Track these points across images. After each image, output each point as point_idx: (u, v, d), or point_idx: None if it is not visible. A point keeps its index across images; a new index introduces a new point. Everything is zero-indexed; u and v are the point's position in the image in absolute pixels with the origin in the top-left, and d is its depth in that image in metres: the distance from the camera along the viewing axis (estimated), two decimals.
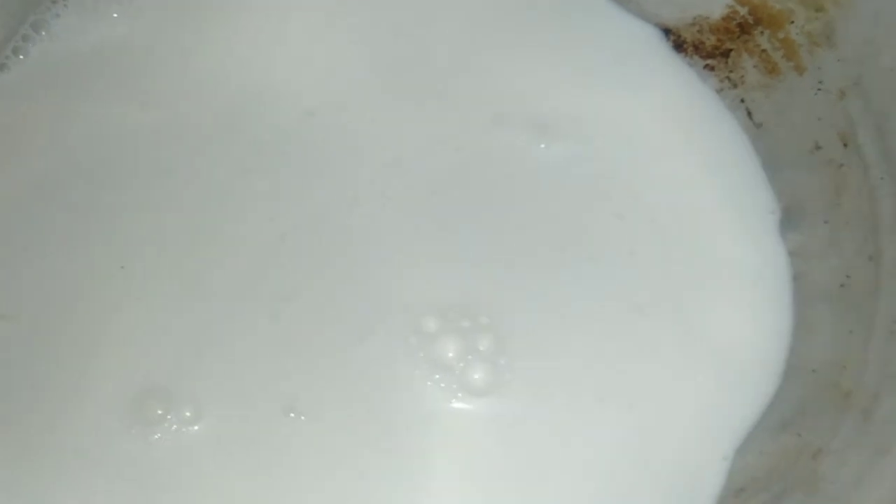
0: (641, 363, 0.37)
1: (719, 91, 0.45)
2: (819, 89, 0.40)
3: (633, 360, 0.37)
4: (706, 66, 0.45)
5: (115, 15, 0.44)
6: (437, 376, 0.36)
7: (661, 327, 0.38)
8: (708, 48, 0.45)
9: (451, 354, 0.37)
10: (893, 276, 0.33)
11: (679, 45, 0.46)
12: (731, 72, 0.45)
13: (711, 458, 0.36)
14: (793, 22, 0.41)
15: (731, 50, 0.44)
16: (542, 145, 0.43)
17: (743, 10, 0.43)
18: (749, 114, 0.44)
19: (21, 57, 0.43)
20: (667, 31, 0.46)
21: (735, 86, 0.44)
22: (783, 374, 0.37)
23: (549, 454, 0.35)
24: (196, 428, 0.35)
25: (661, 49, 0.46)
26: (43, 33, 0.44)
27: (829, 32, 0.39)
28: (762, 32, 0.43)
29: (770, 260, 0.41)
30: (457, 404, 0.36)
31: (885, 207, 0.35)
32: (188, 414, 0.35)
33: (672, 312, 0.39)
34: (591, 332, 0.38)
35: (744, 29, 0.44)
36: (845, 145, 0.38)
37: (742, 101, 0.44)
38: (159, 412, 0.35)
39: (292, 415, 0.35)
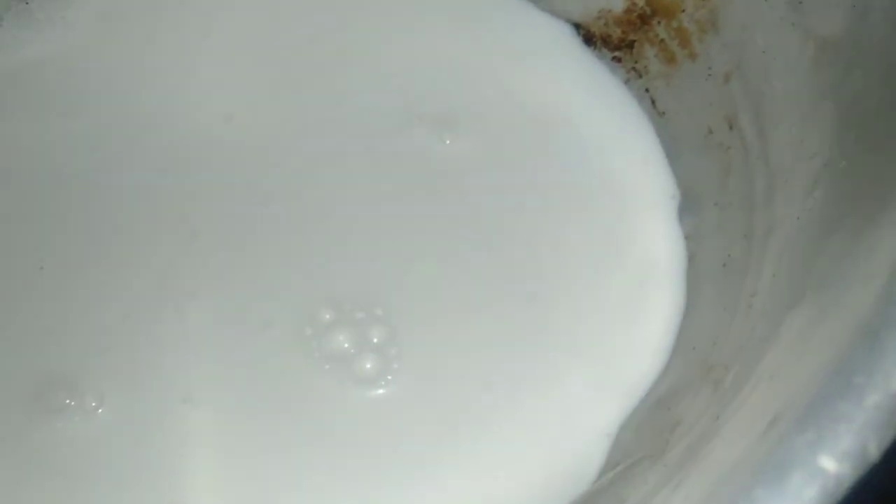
0: (531, 349, 0.38)
1: (627, 82, 0.46)
2: (709, 75, 0.41)
3: (522, 346, 0.38)
4: (614, 58, 0.46)
5: (45, 32, 0.47)
6: (329, 366, 0.37)
7: (553, 313, 0.39)
8: (615, 41, 0.46)
9: (345, 345, 0.38)
10: (761, 252, 0.33)
11: (589, 39, 0.47)
12: (636, 62, 0.45)
13: (596, 437, 0.36)
14: (684, 10, 0.42)
15: (634, 41, 0.45)
16: (448, 141, 0.44)
17: (641, 2, 0.44)
18: (653, 102, 0.45)
19: None
20: (577, 26, 0.47)
21: (640, 76, 0.45)
22: (671, 353, 0.38)
23: (436, 441, 0.36)
24: (99, 413, 0.36)
25: (571, 44, 0.47)
26: None
27: (714, 19, 0.40)
28: (659, 22, 0.44)
29: (669, 245, 0.41)
30: (347, 393, 0.37)
31: (758, 186, 0.36)
32: (93, 403, 0.37)
33: (565, 299, 0.39)
34: (482, 321, 0.39)
35: (643, 20, 0.44)
36: (731, 128, 0.39)
37: (647, 90, 0.45)
38: (67, 402, 0.37)
39: (189, 404, 0.37)
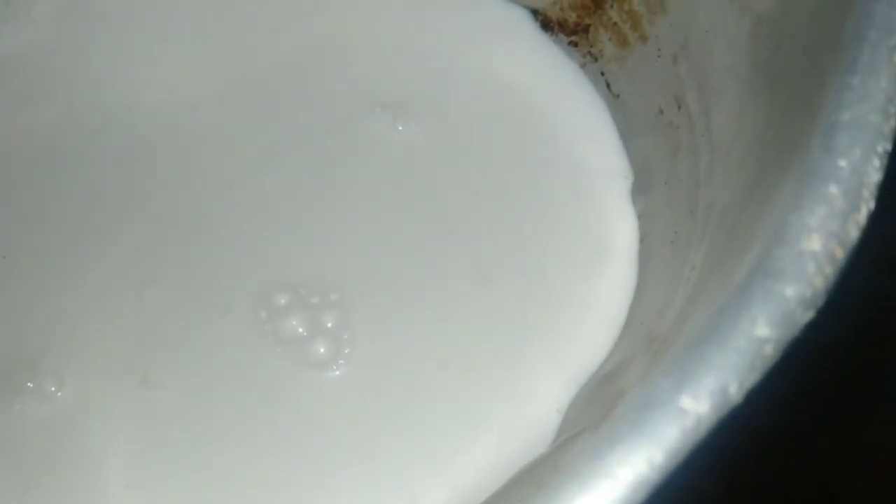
0: (484, 330, 0.39)
1: (583, 66, 0.46)
2: (659, 56, 0.41)
3: (475, 327, 0.39)
4: (570, 43, 0.47)
5: (12, 26, 0.48)
6: (282, 350, 0.38)
7: (505, 294, 0.39)
8: (570, 25, 0.47)
9: (299, 329, 0.39)
10: (703, 227, 0.34)
11: (546, 25, 0.47)
12: (591, 46, 0.46)
13: (547, 414, 0.37)
14: None
15: (589, 25, 0.46)
16: (401, 127, 0.44)
17: None
18: (608, 85, 0.45)
19: None
20: (534, 12, 0.48)
21: (596, 59, 0.46)
22: (621, 330, 0.38)
23: (389, 422, 0.37)
24: (58, 396, 0.37)
25: (529, 29, 0.48)
26: None
27: (662, 0, 0.41)
28: (612, 6, 0.44)
29: (622, 224, 0.42)
30: (301, 377, 0.38)
31: (702, 162, 0.36)
32: (52, 388, 0.38)
33: (518, 280, 0.40)
34: (436, 303, 0.39)
35: (597, 4, 0.45)
36: (679, 107, 0.40)
37: (602, 73, 0.46)
38: (27, 385, 0.37)
39: (148, 386, 0.38)
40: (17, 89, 0.46)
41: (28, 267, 0.41)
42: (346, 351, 0.38)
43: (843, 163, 0.20)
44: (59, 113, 0.45)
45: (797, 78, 0.28)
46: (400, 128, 0.45)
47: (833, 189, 0.20)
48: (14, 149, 0.44)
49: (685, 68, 0.39)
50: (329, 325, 0.39)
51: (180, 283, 0.40)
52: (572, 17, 0.46)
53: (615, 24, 0.44)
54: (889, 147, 0.21)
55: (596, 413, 0.32)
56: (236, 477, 0.37)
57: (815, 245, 0.19)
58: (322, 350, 0.38)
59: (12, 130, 0.45)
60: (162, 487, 0.37)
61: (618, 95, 0.45)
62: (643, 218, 0.41)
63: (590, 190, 0.43)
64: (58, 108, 0.45)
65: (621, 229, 0.42)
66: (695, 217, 0.36)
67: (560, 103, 0.46)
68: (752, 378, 0.16)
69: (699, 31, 0.38)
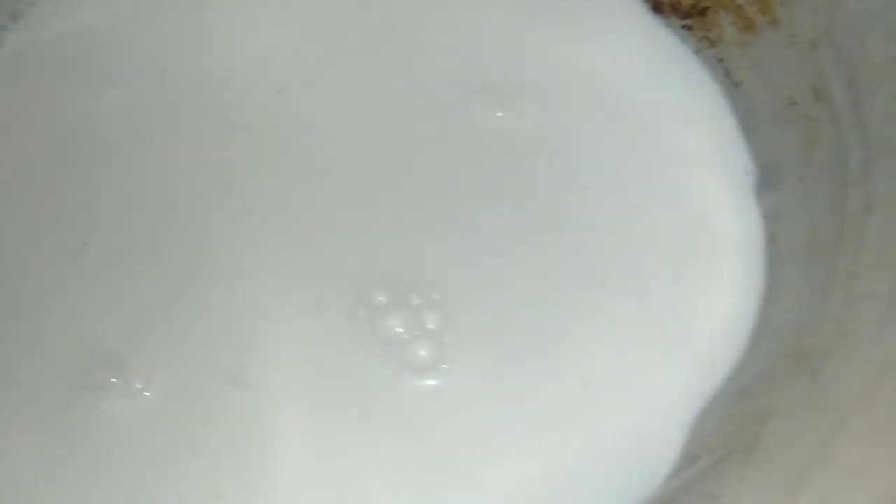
0: (599, 337, 0.36)
1: (698, 52, 0.43)
2: (792, 42, 0.38)
3: (589, 334, 0.36)
4: (684, 26, 0.43)
5: (90, 1, 0.45)
6: (381, 351, 0.35)
7: (622, 300, 0.37)
8: (685, 7, 0.43)
9: (399, 330, 0.36)
10: (855, 230, 0.31)
11: (656, 6, 0.44)
12: (708, 30, 0.43)
13: (669, 428, 0.34)
14: None
15: (707, 7, 0.43)
16: (508, 115, 0.41)
17: None
18: (727, 73, 0.42)
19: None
20: None
21: (713, 45, 0.43)
22: (750, 339, 0.35)
23: (494, 435, 0.34)
24: (146, 395, 0.35)
25: (637, 10, 0.45)
26: (20, 22, 0.45)
27: None
28: None
29: (744, 224, 0.39)
30: (400, 381, 0.35)
31: (853, 159, 0.33)
32: (138, 385, 0.35)
33: (635, 284, 0.37)
34: (546, 308, 0.36)
35: None
36: (818, 99, 0.36)
37: (720, 60, 0.42)
38: (112, 380, 0.35)
39: (238, 386, 0.35)
40: (95, 68, 0.44)
41: (110, 255, 0.38)
42: (449, 355, 0.36)
43: None
44: (139, 94, 0.43)
45: None
46: (499, 114, 0.42)
47: None
48: (93, 130, 0.42)
49: (828, 57, 0.36)
50: (430, 326, 0.36)
51: (272, 276, 0.37)
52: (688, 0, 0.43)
53: (739, 6, 0.41)
54: None
55: (739, 433, 0.29)
56: (328, 483, 0.35)
57: None
58: (423, 353, 0.36)
59: (92, 111, 0.42)
60: (251, 495, 0.35)
61: (739, 84, 0.41)
62: (770, 218, 0.38)
63: (708, 186, 0.40)
64: (138, 89, 0.43)
65: (745, 229, 0.38)
66: (843, 219, 0.32)
67: (673, 91, 0.43)
68: None
69: (848, 16, 0.34)
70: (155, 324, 0.37)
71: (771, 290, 0.36)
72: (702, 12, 0.43)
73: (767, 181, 0.39)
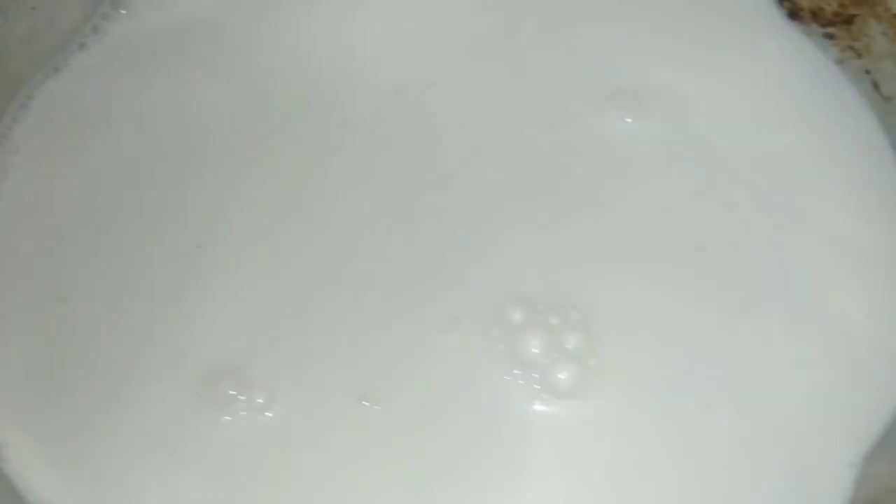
0: (752, 365, 0.34)
1: (840, 62, 0.41)
2: None
3: (742, 362, 0.34)
4: (825, 35, 0.41)
5: None
6: (518, 372, 0.33)
7: (775, 325, 0.34)
8: (828, 15, 0.41)
9: (535, 350, 0.34)
10: None
11: (794, 13, 0.42)
12: (854, 40, 0.40)
13: (835, 466, 0.32)
14: None
15: (855, 16, 0.40)
16: (643, 125, 0.39)
17: None
18: (876, 86, 0.39)
19: (101, 35, 0.42)
20: None
21: (859, 55, 0.40)
22: None
23: (643, 467, 0.32)
24: (268, 414, 0.33)
25: (773, 17, 0.42)
26: (122, 11, 0.43)
27: None
28: None
29: None
30: (539, 405, 0.33)
31: None
32: (260, 400, 0.33)
33: (787, 308, 0.35)
34: (694, 332, 0.34)
35: None
36: None
37: (868, 72, 0.40)
38: (231, 393, 0.33)
39: (365, 403, 0.33)
40: (202, 60, 0.41)
41: (225, 258, 0.36)
42: (591, 381, 0.33)
43: None
44: (250, 88, 0.40)
45: None
46: (629, 120, 0.39)
47: None
48: (202, 125, 0.40)
49: None
50: (569, 347, 0.34)
51: (399, 288, 0.35)
52: (832, 6, 0.41)
53: (895, 15, 0.38)
54: None
55: None
56: None
57: None
58: (563, 377, 0.34)
59: (201, 105, 0.40)
60: None
61: (889, 98, 0.39)
62: None
63: (855, 203, 0.38)
64: (249, 83, 0.41)
65: None
66: None
67: (813, 103, 0.40)
68: None
69: None
70: (276, 335, 0.34)
71: None
72: (847, 20, 0.40)
73: None
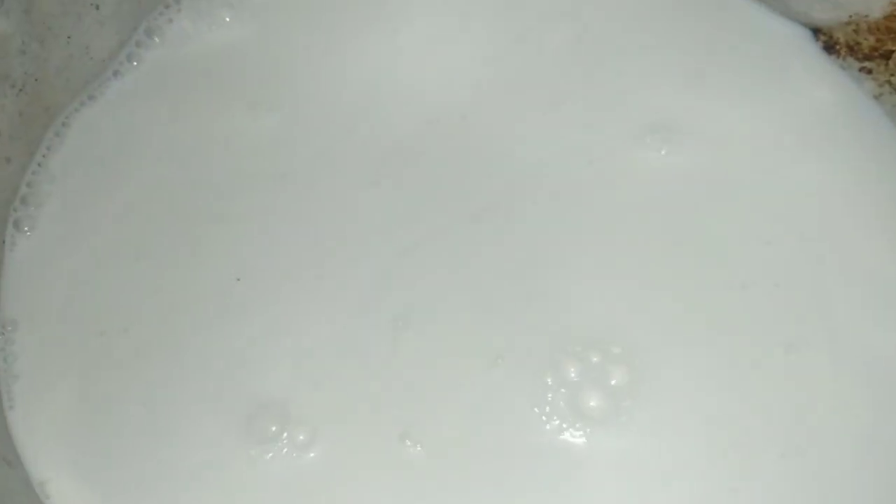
0: (794, 407, 0.34)
1: (878, 97, 0.41)
2: None
3: (784, 403, 0.34)
4: (862, 69, 0.41)
5: (228, 19, 0.43)
6: (559, 411, 0.33)
7: (815, 364, 0.34)
8: (865, 49, 0.41)
9: (576, 388, 0.34)
10: None
11: (830, 47, 0.42)
12: (892, 75, 0.40)
13: None
14: None
15: (893, 51, 0.40)
16: (678, 158, 0.39)
17: None
18: None
19: (135, 63, 0.42)
20: (816, 31, 0.42)
21: None
22: None
23: None
24: (311, 454, 0.33)
25: (809, 50, 0.42)
26: (156, 39, 0.43)
27: None
28: None
29: None
30: (582, 446, 0.33)
31: None
32: (302, 437, 0.33)
33: (830, 347, 0.35)
34: (736, 372, 0.34)
35: None
36: None
37: None
38: (273, 430, 0.33)
39: (408, 443, 0.33)
40: (237, 89, 0.41)
41: (265, 291, 0.36)
42: (633, 420, 0.33)
43: None
44: (285, 118, 0.40)
45: None
46: (663, 152, 0.39)
47: None
48: (238, 155, 0.40)
49: None
50: (613, 383, 0.34)
51: (438, 323, 0.35)
52: (868, 41, 0.41)
53: None
54: None
55: None
56: None
57: None
58: (604, 415, 0.33)
59: (236, 135, 0.40)
60: None
61: None
62: None
63: (893, 241, 0.38)
64: (284, 113, 0.41)
65: None
66: None
67: (851, 137, 0.40)
68: None
69: None
70: (317, 371, 0.34)
71: None
72: (885, 55, 0.40)
73: None
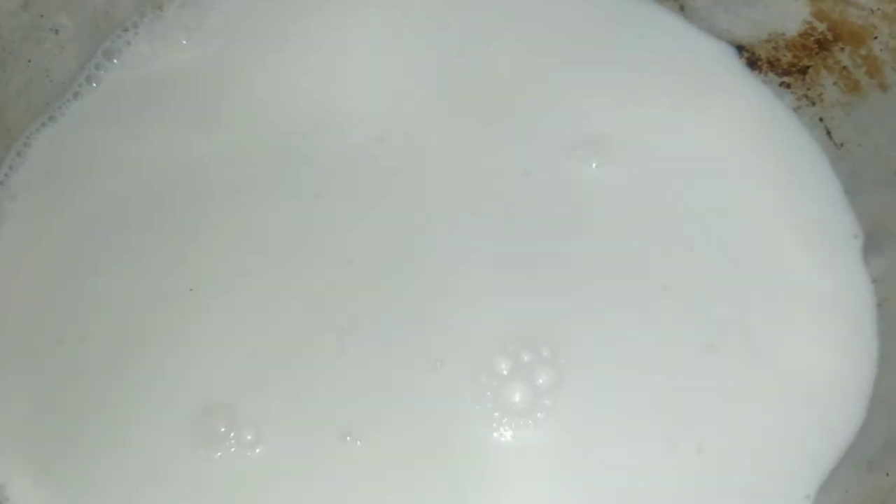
0: (713, 403, 0.36)
1: (796, 109, 0.43)
2: None
3: (703, 401, 0.36)
4: (782, 84, 0.44)
5: (184, 42, 0.45)
6: (498, 415, 0.35)
7: (735, 365, 0.36)
8: (784, 65, 0.43)
9: (510, 386, 0.36)
10: None
11: (753, 63, 0.44)
12: (808, 89, 0.43)
13: (792, 499, 0.34)
14: (876, 38, 0.39)
15: (808, 67, 0.43)
16: (609, 170, 0.41)
17: (821, 27, 0.41)
18: (828, 133, 0.42)
19: (94, 85, 0.44)
20: (740, 48, 0.44)
21: (813, 104, 0.43)
22: (868, 408, 0.35)
23: (607, 501, 0.34)
24: (257, 450, 0.35)
25: (733, 66, 0.45)
26: (115, 61, 0.45)
27: None
28: (842, 49, 0.41)
29: (852, 287, 0.39)
30: (511, 439, 0.35)
31: None
32: (249, 437, 0.35)
33: (746, 349, 0.37)
34: (658, 371, 0.36)
35: (822, 45, 0.42)
36: None
37: (821, 119, 0.42)
38: (222, 430, 0.35)
39: (349, 440, 0.35)
40: (192, 110, 0.43)
41: (216, 301, 0.38)
42: (560, 417, 0.36)
43: None
44: (238, 137, 0.42)
45: None
46: (594, 166, 0.42)
47: None
48: (192, 173, 0.42)
49: None
50: (540, 383, 0.36)
51: (379, 330, 0.37)
52: (787, 57, 0.43)
53: (844, 68, 0.41)
54: None
55: None
56: None
57: None
58: (533, 412, 0.36)
59: (190, 154, 0.42)
60: None
61: (841, 145, 0.41)
62: (881, 282, 0.38)
63: (811, 247, 0.40)
64: (237, 133, 0.43)
65: (852, 293, 0.38)
66: None
67: (770, 149, 0.43)
68: None
69: None
70: (265, 374, 0.36)
71: (889, 358, 0.36)
72: (802, 71, 0.43)
73: (876, 245, 0.39)
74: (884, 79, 0.39)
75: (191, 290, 0.38)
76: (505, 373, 0.36)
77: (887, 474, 0.31)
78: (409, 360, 0.36)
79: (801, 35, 0.42)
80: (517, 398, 0.36)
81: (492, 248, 0.39)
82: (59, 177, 0.42)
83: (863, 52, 0.40)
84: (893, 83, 0.39)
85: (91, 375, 0.36)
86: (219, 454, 0.35)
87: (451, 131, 0.42)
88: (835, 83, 0.42)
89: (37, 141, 0.43)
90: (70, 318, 0.38)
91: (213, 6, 0.45)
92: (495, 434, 0.35)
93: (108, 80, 0.44)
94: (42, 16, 0.42)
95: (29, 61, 0.42)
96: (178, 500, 0.34)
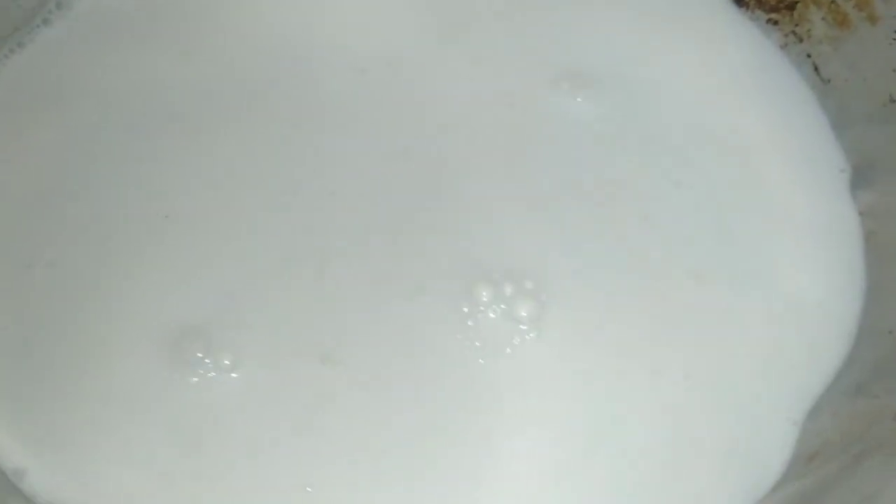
0: (698, 331, 0.35)
1: (784, 46, 0.43)
2: (895, 39, 0.38)
3: (689, 329, 0.35)
4: (769, 21, 0.43)
5: None
6: (477, 341, 0.35)
7: (721, 294, 0.36)
8: (771, 2, 0.43)
9: (491, 316, 0.35)
10: None
11: (740, 0, 0.44)
12: (796, 25, 0.42)
13: (779, 424, 0.34)
14: None
15: (796, 2, 0.42)
16: (594, 104, 0.41)
17: None
18: (816, 69, 0.42)
19: (65, 11, 0.43)
20: None
21: (801, 40, 0.42)
22: (856, 335, 0.35)
23: (593, 430, 0.33)
24: (234, 375, 0.34)
25: (720, 3, 0.44)
26: None
27: None
28: None
29: (840, 219, 0.38)
30: (492, 368, 0.34)
31: None
32: (227, 362, 0.34)
33: (733, 278, 0.37)
34: (643, 300, 0.36)
35: None
36: None
37: (808, 55, 0.42)
38: (198, 355, 0.34)
39: (328, 365, 0.34)
40: (169, 37, 0.42)
41: (192, 229, 0.37)
42: (543, 348, 0.35)
43: None
44: (218, 66, 0.41)
45: None
46: (579, 100, 0.41)
47: None
48: (169, 101, 0.40)
49: None
50: (523, 314, 0.35)
51: (363, 256, 0.36)
52: None
53: (833, 2, 0.41)
54: None
55: (868, 430, 0.29)
56: (418, 467, 0.34)
57: None
58: (516, 341, 0.35)
59: (168, 81, 0.41)
60: (335, 483, 0.33)
61: (829, 80, 0.41)
62: (868, 215, 0.38)
63: (799, 181, 0.40)
64: (217, 61, 0.41)
65: (841, 226, 0.38)
66: None
67: (758, 85, 0.42)
68: None
69: None
70: (243, 300, 0.35)
71: (875, 288, 0.35)
72: (790, 7, 0.42)
73: (863, 179, 0.38)
74: (873, 10, 0.39)
75: (166, 216, 0.37)
76: (486, 301, 0.35)
77: (877, 396, 0.30)
78: (389, 286, 0.36)
79: None
80: (499, 328, 0.35)
81: (475, 179, 0.38)
82: (29, 104, 0.40)
83: None
84: (883, 14, 0.38)
85: (61, 300, 0.35)
86: (195, 379, 0.34)
87: (435, 63, 0.42)
88: (823, 18, 0.41)
89: (5, 67, 0.41)
90: (40, 243, 0.36)
91: None
92: (476, 363, 0.35)
93: (78, 6, 0.43)
94: None
95: None
96: (156, 425, 0.33)
